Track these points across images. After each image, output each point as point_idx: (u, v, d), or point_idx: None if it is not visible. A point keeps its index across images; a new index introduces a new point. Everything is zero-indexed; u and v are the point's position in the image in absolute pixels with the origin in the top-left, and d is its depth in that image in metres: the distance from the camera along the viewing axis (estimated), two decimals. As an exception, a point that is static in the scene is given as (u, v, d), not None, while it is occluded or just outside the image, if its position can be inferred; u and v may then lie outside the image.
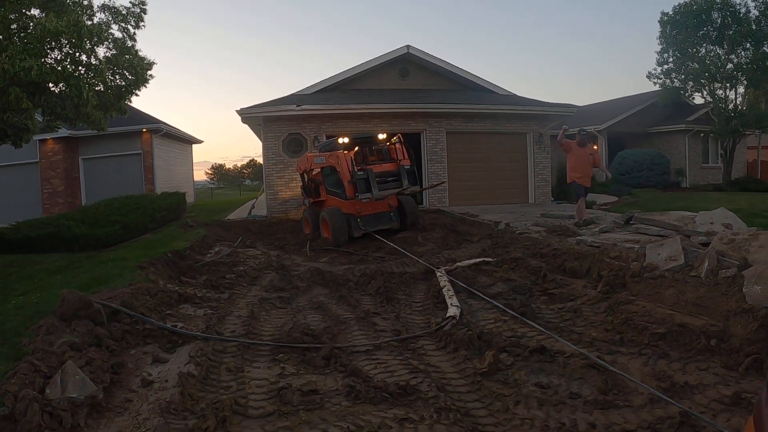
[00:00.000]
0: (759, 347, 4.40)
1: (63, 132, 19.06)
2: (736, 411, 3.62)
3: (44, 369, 4.03)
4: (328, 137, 16.67)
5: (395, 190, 11.88)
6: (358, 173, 11.51)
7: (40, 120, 11.43)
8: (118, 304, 5.67)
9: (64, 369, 3.92)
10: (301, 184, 14.75)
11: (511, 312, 6.01)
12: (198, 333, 5.47)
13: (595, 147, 11.45)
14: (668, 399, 3.79)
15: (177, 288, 7.34)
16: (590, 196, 18.67)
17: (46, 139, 21.22)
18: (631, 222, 10.47)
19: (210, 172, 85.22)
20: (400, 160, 12.20)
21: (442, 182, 17.43)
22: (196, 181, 38.92)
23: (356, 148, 12.14)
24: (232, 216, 18.75)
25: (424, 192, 18.59)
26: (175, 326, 5.58)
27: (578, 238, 10.03)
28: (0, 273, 9.02)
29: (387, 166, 12.18)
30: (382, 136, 12.89)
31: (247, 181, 77.61)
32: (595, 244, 9.21)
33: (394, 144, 12.48)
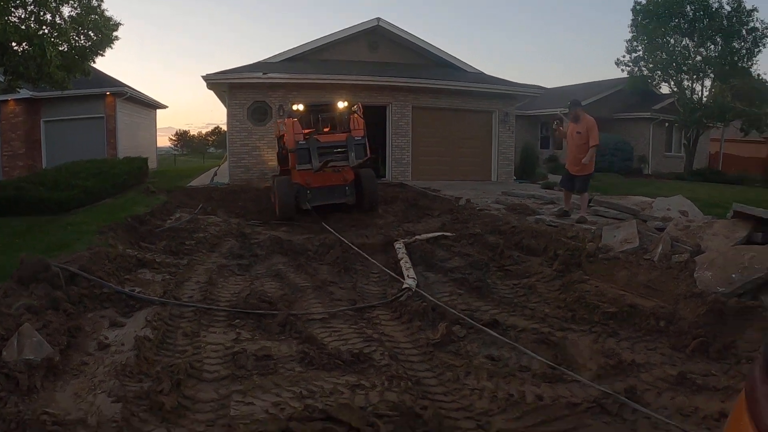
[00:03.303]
0: (706, 330, 4.55)
1: (25, 93, 18.68)
2: (680, 390, 3.74)
3: (1, 331, 4.03)
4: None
5: (337, 162, 11.06)
6: (300, 142, 10.82)
7: (1, 80, 11.19)
8: (76, 267, 5.64)
9: (21, 331, 3.92)
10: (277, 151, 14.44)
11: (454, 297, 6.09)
12: (155, 298, 5.48)
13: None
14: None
15: (136, 253, 7.30)
16: (551, 178, 18.73)
17: (7, 101, 20.75)
18: (590, 204, 10.64)
19: (174, 138, 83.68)
20: (351, 131, 11.39)
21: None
22: (160, 147, 38.37)
23: (302, 116, 11.75)
24: (195, 183, 18.61)
25: (386, 164, 18.88)
26: (133, 291, 5.59)
27: (537, 217, 10.18)
28: (-43, 235, 8.87)
29: (337, 137, 11.45)
30: (341, 105, 12.18)
31: (211, 149, 76.44)
32: (553, 224, 9.38)
33: (354, 113, 11.72)
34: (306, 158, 10.75)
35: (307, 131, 11.57)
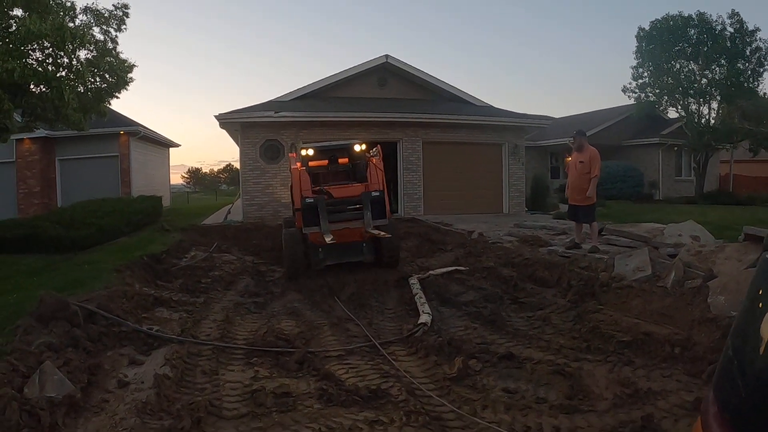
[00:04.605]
0: (722, 355, 4.53)
1: (40, 132, 18.92)
2: (698, 416, 3.74)
3: (22, 369, 4.08)
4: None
5: (350, 223, 9.06)
6: (307, 199, 8.87)
7: (19, 120, 11.39)
8: (94, 306, 5.71)
9: (42, 369, 3.98)
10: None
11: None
12: (173, 336, 5.53)
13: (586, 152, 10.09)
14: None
15: (153, 291, 7.37)
16: (562, 208, 18.68)
17: (23, 139, 20.99)
18: (602, 233, 10.66)
19: (186, 175, 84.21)
20: (367, 184, 9.48)
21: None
22: (173, 185, 38.63)
23: (310, 165, 10.21)
24: (208, 221, 18.69)
25: (398, 200, 18.92)
26: (151, 329, 5.64)
27: (549, 248, 10.20)
28: (-25, 274, 8.98)
29: (351, 191, 9.49)
30: (358, 148, 10.21)
31: (224, 186, 76.84)
32: (565, 255, 9.38)
33: (371, 158, 9.82)
34: (314, 219, 8.84)
35: (318, 163, 10.51)
